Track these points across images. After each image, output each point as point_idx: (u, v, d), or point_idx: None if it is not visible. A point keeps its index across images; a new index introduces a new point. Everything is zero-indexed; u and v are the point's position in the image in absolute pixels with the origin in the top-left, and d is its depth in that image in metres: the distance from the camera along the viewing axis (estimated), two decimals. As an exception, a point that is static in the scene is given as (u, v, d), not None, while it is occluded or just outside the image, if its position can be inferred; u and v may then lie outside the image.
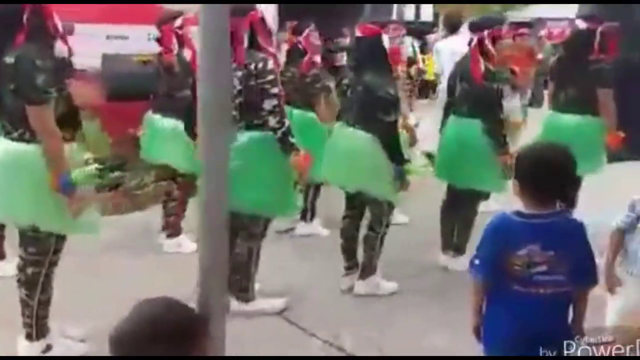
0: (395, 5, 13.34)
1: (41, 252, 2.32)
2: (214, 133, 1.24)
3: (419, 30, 12.73)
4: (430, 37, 10.99)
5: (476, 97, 3.26)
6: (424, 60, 11.68)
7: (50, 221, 2.28)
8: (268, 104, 2.56)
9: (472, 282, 1.80)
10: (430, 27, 14.75)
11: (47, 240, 2.32)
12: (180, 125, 3.42)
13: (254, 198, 2.65)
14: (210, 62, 1.22)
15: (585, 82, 3.53)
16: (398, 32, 3.89)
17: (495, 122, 3.24)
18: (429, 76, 11.51)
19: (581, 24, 3.62)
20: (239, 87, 2.59)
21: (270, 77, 2.56)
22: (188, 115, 3.36)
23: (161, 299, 1.22)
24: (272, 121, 2.57)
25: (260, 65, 2.57)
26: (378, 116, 2.82)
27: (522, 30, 10.00)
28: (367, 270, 3.13)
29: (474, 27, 3.44)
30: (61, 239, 2.38)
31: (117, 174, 4.29)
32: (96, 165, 4.31)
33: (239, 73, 2.59)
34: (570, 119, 3.65)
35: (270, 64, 2.58)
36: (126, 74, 4.63)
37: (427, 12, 17.41)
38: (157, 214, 3.84)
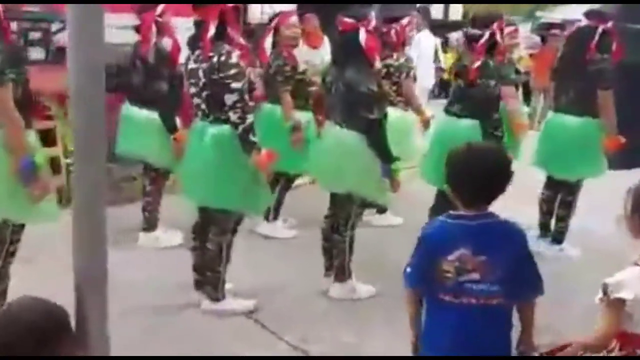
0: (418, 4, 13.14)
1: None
2: (89, 134, 1.20)
3: (445, 29, 12.47)
4: (453, 36, 10.71)
5: (471, 94, 3.11)
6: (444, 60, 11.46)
7: (6, 210, 2.25)
8: (229, 99, 2.47)
9: (405, 292, 1.69)
10: (459, 26, 14.44)
11: (3, 230, 2.27)
12: (155, 117, 3.34)
13: (221, 193, 2.60)
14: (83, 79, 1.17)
15: (584, 83, 3.36)
16: (411, 25, 3.84)
17: (491, 121, 3.08)
18: (448, 75, 11.29)
19: (584, 21, 3.42)
20: (203, 80, 2.52)
21: (233, 70, 2.45)
22: (165, 108, 3.34)
23: (22, 299, 1.14)
24: (233, 117, 2.48)
25: (223, 57, 2.47)
26: (361, 113, 2.71)
27: (553, 30, 9.71)
28: (341, 274, 3.02)
29: (479, 23, 3.23)
30: (18, 228, 2.33)
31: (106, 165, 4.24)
32: None
33: (204, 65, 2.51)
34: (570, 121, 3.49)
35: (235, 57, 2.47)
36: (116, 65, 4.59)
37: (456, 11, 17.08)
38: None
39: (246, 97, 2.48)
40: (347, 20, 2.79)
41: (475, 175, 1.58)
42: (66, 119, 4.36)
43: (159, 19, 3.30)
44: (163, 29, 3.31)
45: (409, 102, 3.78)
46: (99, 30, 1.17)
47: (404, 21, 3.74)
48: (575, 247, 3.69)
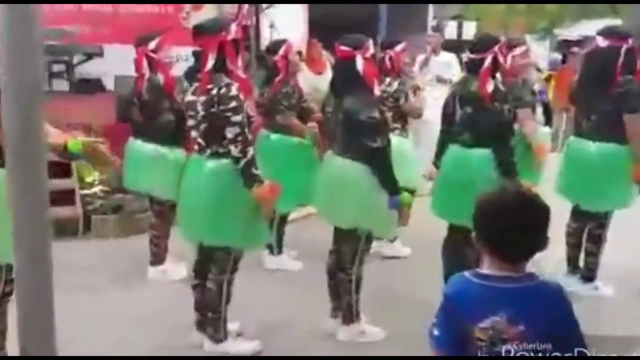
0: (430, 22, 13.16)
1: None
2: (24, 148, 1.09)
3: (459, 50, 12.45)
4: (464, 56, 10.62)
5: (482, 122, 2.88)
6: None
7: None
8: (230, 132, 2.41)
9: (434, 352, 1.51)
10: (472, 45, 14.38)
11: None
12: (158, 150, 3.34)
13: (219, 229, 2.52)
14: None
15: (609, 106, 3.21)
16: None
17: (506, 148, 2.87)
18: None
19: (602, 42, 3.30)
20: (202, 113, 2.46)
21: (233, 104, 2.39)
22: (168, 140, 3.33)
23: None
24: (234, 150, 2.42)
25: (222, 90, 2.41)
26: (363, 142, 2.61)
27: (573, 49, 9.57)
28: (348, 316, 2.86)
29: (479, 47, 3.01)
30: (10, 269, 2.24)
31: (120, 196, 4.27)
32: (101, 187, 4.41)
33: (202, 98, 2.46)
34: (593, 147, 3.33)
35: (234, 90, 2.42)
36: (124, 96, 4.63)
37: (469, 30, 17.05)
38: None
39: (246, 130, 2.43)
40: (344, 48, 2.71)
41: (516, 231, 1.38)
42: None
43: (152, 55, 3.29)
44: (155, 65, 3.31)
45: (412, 115, 3.80)
46: (32, 33, 1.08)
47: (399, 47, 3.74)
48: (608, 285, 3.48)
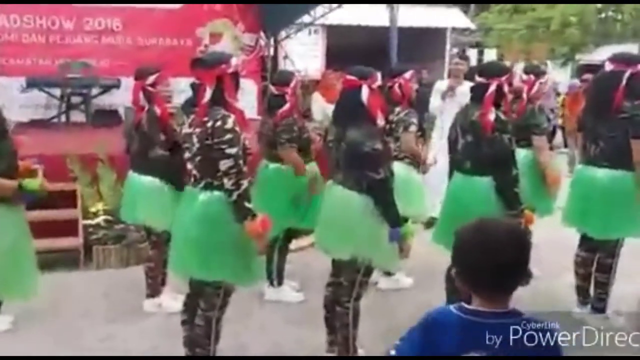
0: (449, 50, 13.15)
1: None
2: None
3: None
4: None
5: (483, 151, 2.82)
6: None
7: None
8: (224, 165, 2.37)
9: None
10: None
11: None
12: (155, 182, 3.33)
13: (208, 264, 2.45)
14: None
15: (615, 132, 3.10)
16: (414, 79, 3.75)
17: (507, 178, 2.79)
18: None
19: (608, 67, 3.22)
20: (197, 145, 2.44)
21: (228, 136, 2.36)
22: (166, 172, 3.29)
23: None
24: (227, 183, 2.37)
25: (218, 123, 2.38)
26: (366, 174, 2.56)
27: (586, 75, 9.43)
28: (344, 351, 2.75)
29: (486, 73, 2.95)
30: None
31: (122, 226, 4.17)
32: (104, 217, 4.43)
33: (198, 130, 2.44)
34: (602, 174, 3.20)
35: (230, 123, 2.38)
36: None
37: (490, 57, 17.00)
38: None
39: (241, 162, 2.39)
40: (350, 77, 2.69)
41: (495, 265, 1.32)
42: (90, 181, 4.48)
43: (149, 88, 3.32)
44: (153, 98, 3.32)
45: (411, 156, 3.67)
46: None
47: (407, 75, 3.69)
48: (620, 315, 3.27)
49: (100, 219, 4.26)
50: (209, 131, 2.38)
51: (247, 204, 2.39)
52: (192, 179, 2.51)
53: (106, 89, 6.97)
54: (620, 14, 16.62)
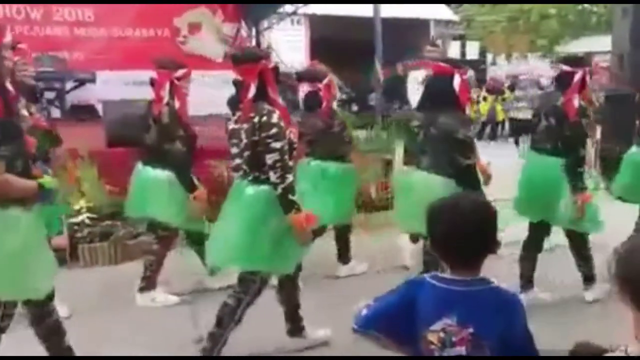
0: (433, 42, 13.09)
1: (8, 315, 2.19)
2: None
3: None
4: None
5: (565, 133, 3.09)
6: (478, 102, 11.31)
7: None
8: (269, 159, 2.44)
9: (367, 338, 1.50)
10: (478, 65, 14.35)
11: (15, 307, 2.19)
12: (167, 176, 3.25)
13: (249, 254, 2.51)
14: None
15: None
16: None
17: (577, 158, 3.09)
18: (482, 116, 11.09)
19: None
20: (245, 141, 2.51)
21: (273, 130, 2.44)
22: (180, 167, 3.24)
23: None
24: (273, 176, 2.45)
25: (264, 118, 2.46)
26: (456, 159, 2.71)
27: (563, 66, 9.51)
28: None
29: (575, 62, 3.22)
30: (10, 305, 2.20)
31: (108, 223, 4.12)
32: (88, 214, 4.20)
33: (245, 126, 2.51)
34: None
35: (275, 117, 2.46)
36: (127, 120, 4.45)
37: (473, 50, 17.02)
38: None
39: (286, 156, 2.47)
40: (443, 64, 2.82)
41: (459, 235, 1.41)
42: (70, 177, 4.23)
43: (176, 82, 3.26)
44: (175, 91, 3.27)
45: None
46: None
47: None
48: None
49: (84, 217, 4.09)
50: (256, 126, 2.46)
51: (291, 197, 2.46)
52: (241, 173, 2.57)
53: (81, 83, 6.65)
54: (595, 6, 16.80)
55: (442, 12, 14.13)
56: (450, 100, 2.73)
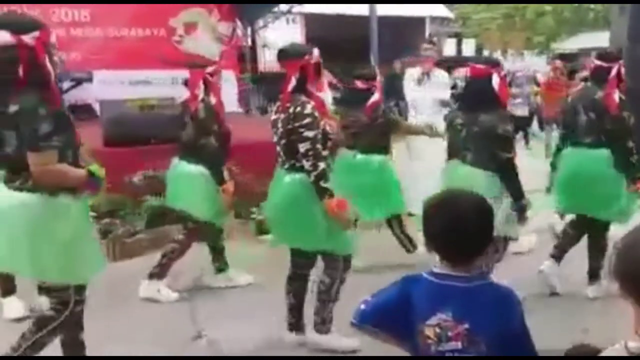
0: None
1: (62, 302, 2.24)
2: None
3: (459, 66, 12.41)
4: (460, 72, 10.45)
5: (608, 127, 3.19)
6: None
7: (52, 272, 2.18)
8: (302, 147, 2.59)
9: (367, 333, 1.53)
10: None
11: (65, 291, 2.22)
12: (203, 172, 3.35)
13: (303, 237, 2.70)
14: None
15: None
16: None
17: (627, 149, 3.19)
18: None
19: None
20: (281, 130, 2.66)
21: (307, 120, 2.59)
22: (214, 162, 3.35)
23: None
24: (306, 164, 2.59)
25: (298, 109, 2.61)
26: (498, 153, 2.89)
27: (557, 62, 9.59)
28: None
29: (609, 57, 3.31)
30: (79, 289, 2.26)
31: (107, 220, 4.13)
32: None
33: (282, 116, 2.66)
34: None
35: (309, 108, 2.61)
36: (124, 119, 4.48)
37: (469, 47, 17.03)
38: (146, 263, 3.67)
39: (318, 145, 2.59)
40: (479, 66, 2.95)
41: (455, 232, 1.41)
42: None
43: (209, 78, 3.42)
44: (210, 87, 3.43)
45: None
46: None
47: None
48: None
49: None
50: (291, 116, 2.61)
51: (323, 184, 2.58)
52: (280, 161, 2.74)
53: (78, 82, 6.67)
54: (593, 3, 16.82)
55: (438, 9, 14.14)
56: (491, 98, 2.88)
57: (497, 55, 16.23)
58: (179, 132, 3.45)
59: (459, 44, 15.40)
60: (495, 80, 2.89)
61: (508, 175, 2.90)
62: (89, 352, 2.39)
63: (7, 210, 2.12)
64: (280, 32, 10.47)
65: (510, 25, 15.74)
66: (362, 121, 3.68)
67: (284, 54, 2.71)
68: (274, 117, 2.73)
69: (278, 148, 2.71)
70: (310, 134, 2.55)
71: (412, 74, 4.95)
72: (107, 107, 5.03)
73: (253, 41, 9.08)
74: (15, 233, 2.11)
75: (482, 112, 2.89)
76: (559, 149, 3.47)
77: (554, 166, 3.46)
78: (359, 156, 3.71)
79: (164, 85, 6.82)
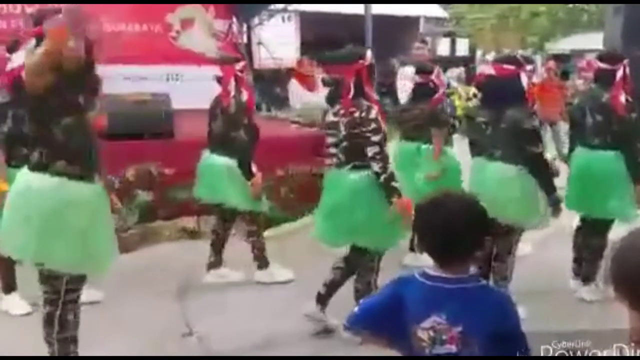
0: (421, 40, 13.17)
1: (55, 290, 2.25)
2: None
3: (452, 65, 12.46)
4: (454, 72, 10.54)
5: (615, 128, 3.24)
6: (469, 98, 11.36)
7: (59, 260, 2.18)
8: (370, 151, 2.71)
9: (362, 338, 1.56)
10: (467, 62, 14.44)
11: (59, 280, 2.24)
12: (234, 165, 3.48)
13: (358, 233, 2.79)
14: None
15: None
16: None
17: (635, 150, 3.24)
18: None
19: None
20: (344, 132, 2.77)
21: (373, 125, 2.70)
22: (243, 155, 3.47)
23: None
24: (376, 167, 2.71)
25: (364, 114, 2.72)
26: (527, 149, 2.95)
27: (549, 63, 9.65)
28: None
29: (613, 59, 3.33)
30: (76, 278, 2.27)
31: None
32: None
33: (344, 119, 2.77)
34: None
35: (374, 113, 2.72)
36: (120, 114, 4.49)
37: (462, 47, 17.10)
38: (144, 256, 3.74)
39: (385, 148, 2.73)
40: (507, 66, 3.01)
41: (450, 232, 1.40)
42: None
43: (239, 74, 3.56)
44: (241, 83, 3.58)
45: None
46: None
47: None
48: None
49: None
50: (357, 121, 2.73)
51: (394, 184, 2.71)
52: (337, 161, 2.84)
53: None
54: (586, 4, 16.92)
55: (432, 9, 14.20)
56: (518, 96, 2.97)
57: (491, 55, 16.33)
58: (210, 126, 3.61)
59: (452, 43, 15.47)
60: (523, 78, 2.96)
61: (539, 170, 2.95)
62: (82, 346, 2.39)
63: (26, 193, 2.14)
64: (276, 30, 10.50)
65: (504, 26, 15.82)
66: (425, 114, 3.80)
67: (336, 60, 2.85)
68: (332, 119, 2.84)
69: (335, 149, 2.82)
70: (376, 138, 2.69)
71: (406, 73, 5.03)
72: (103, 102, 5.03)
73: (248, 38, 9.09)
74: (35, 220, 2.11)
75: (508, 109, 2.95)
76: (570, 150, 3.55)
77: (567, 163, 3.54)
78: (423, 147, 3.84)
79: (159, 81, 6.84)
